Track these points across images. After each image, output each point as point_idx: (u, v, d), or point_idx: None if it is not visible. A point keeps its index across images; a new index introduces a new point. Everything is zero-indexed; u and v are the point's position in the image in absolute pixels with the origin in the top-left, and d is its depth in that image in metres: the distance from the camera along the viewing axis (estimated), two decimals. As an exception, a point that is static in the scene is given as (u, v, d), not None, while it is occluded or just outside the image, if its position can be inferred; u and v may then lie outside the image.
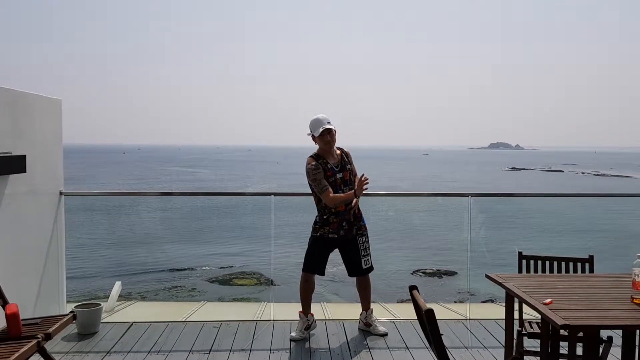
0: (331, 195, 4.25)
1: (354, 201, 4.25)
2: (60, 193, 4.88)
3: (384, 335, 4.45)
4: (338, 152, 4.46)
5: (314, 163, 4.34)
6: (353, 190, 4.27)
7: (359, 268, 4.48)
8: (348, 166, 4.43)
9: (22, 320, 3.29)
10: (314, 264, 4.47)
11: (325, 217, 4.38)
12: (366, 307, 4.61)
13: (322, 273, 4.52)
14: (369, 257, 4.50)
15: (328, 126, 4.31)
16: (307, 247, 4.51)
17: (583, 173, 79.83)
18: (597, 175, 75.53)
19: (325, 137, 4.32)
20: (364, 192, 4.28)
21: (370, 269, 4.54)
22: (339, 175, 4.35)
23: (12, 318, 3.22)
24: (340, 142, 4.49)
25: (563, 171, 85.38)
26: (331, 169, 4.34)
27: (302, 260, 4.50)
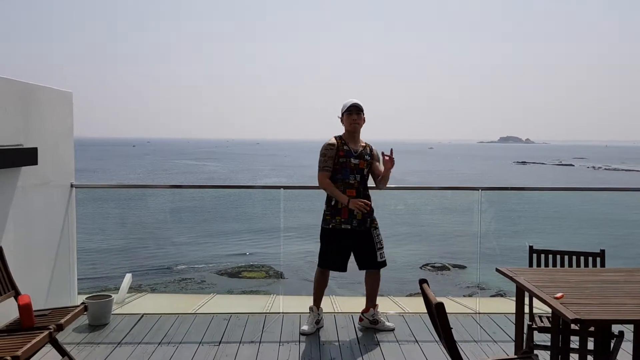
0: (326, 180, 4.23)
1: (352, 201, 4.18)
2: (71, 185, 4.91)
3: (392, 330, 4.43)
4: (364, 144, 4.40)
5: (332, 142, 4.31)
6: (348, 198, 4.19)
7: (373, 261, 4.35)
8: (367, 157, 4.35)
9: (34, 311, 3.33)
10: (330, 260, 4.36)
11: (333, 203, 4.27)
12: (373, 305, 4.48)
13: (343, 269, 4.38)
14: (383, 251, 4.41)
15: (355, 101, 4.29)
16: (320, 240, 4.40)
17: (594, 167, 79.26)
18: (608, 169, 74.97)
19: (352, 115, 4.27)
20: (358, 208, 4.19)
21: (385, 263, 4.44)
22: (354, 161, 4.26)
23: (25, 309, 3.25)
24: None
25: (574, 165, 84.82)
26: (347, 152, 4.27)
27: (312, 253, 4.47)
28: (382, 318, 4.49)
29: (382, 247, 4.41)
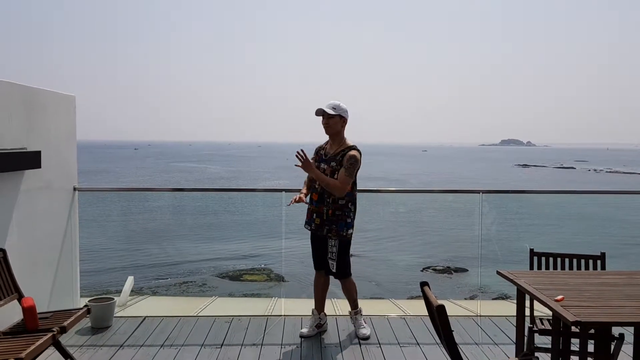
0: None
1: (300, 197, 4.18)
2: (74, 189, 4.94)
3: (364, 338, 4.31)
4: (343, 147, 4.22)
5: (320, 145, 4.43)
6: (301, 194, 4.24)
7: (327, 268, 4.35)
8: (332, 163, 4.19)
9: (37, 313, 3.35)
10: (313, 259, 4.47)
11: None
12: (352, 308, 4.48)
13: (320, 267, 4.42)
14: (334, 263, 4.26)
15: (321, 107, 4.20)
16: None
17: (595, 170, 79.29)
18: (610, 172, 74.97)
19: (322, 119, 4.26)
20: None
21: (337, 275, 4.32)
22: (322, 165, 4.26)
23: (29, 311, 3.27)
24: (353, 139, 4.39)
25: (575, 168, 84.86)
26: (320, 156, 4.32)
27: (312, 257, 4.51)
28: (357, 323, 4.43)
29: (335, 259, 4.25)
